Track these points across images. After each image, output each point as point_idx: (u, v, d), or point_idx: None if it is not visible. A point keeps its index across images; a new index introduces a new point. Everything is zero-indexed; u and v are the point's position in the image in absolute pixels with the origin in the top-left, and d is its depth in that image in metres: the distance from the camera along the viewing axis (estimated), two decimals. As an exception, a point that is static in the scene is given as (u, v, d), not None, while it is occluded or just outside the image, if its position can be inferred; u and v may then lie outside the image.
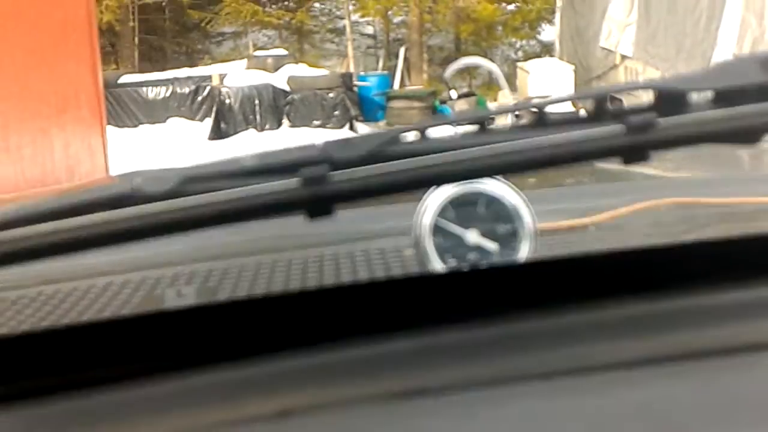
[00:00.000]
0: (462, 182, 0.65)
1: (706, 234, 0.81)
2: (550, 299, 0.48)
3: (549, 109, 0.48)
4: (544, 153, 0.46)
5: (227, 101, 9.05)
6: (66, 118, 4.58)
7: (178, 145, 7.84)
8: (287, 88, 9.23)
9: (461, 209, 0.67)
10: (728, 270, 0.49)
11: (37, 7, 4.30)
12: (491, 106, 7.40)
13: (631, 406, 0.36)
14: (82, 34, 4.76)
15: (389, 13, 13.36)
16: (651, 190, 0.92)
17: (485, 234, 0.67)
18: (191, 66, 11.07)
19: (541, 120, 0.48)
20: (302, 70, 9.86)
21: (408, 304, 0.48)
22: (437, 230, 0.67)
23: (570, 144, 0.46)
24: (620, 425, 0.36)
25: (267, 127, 9.04)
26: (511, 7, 13.38)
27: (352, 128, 8.83)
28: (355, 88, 9.62)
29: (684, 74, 0.48)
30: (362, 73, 10.78)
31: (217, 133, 8.83)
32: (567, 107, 0.50)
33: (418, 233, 0.67)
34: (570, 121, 0.48)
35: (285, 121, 9.17)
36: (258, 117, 9.07)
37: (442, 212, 0.67)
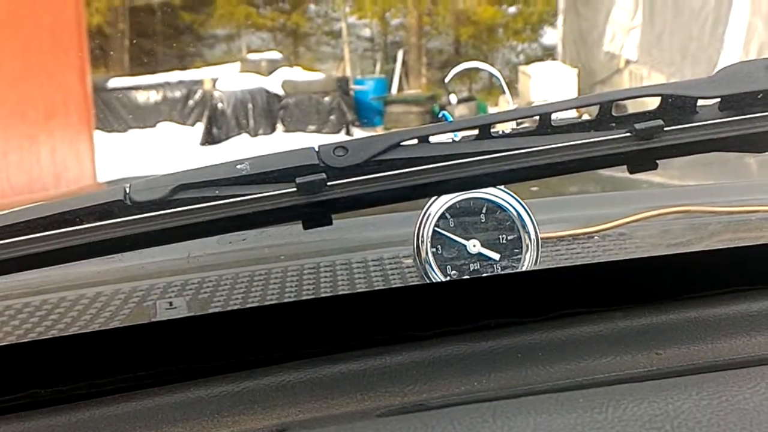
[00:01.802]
0: (463, 191, 0.64)
1: (714, 243, 0.81)
2: (553, 310, 0.47)
3: (552, 115, 0.47)
4: (548, 161, 0.45)
5: (219, 105, 9.04)
6: (53, 124, 4.56)
7: (168, 151, 7.82)
8: (281, 92, 9.23)
9: (462, 218, 0.66)
10: (736, 280, 0.48)
11: (25, 11, 4.27)
12: (492, 110, 7.44)
13: (638, 421, 0.35)
14: (71, 38, 4.74)
15: (387, 15, 13.38)
16: (656, 199, 0.92)
17: (487, 243, 0.66)
18: (183, 69, 11.05)
19: (544, 126, 0.47)
20: (297, 73, 9.86)
21: (407, 316, 0.47)
22: (438, 239, 0.66)
23: (574, 151, 0.45)
24: (628, 441, 0.35)
25: (260, 132, 9.04)
26: (513, 9, 13.41)
27: (348, 133, 8.84)
28: (352, 92, 9.64)
29: (690, 80, 0.47)
30: (359, 77, 10.80)
31: (210, 138, 8.82)
32: (571, 113, 0.49)
33: (419, 242, 0.66)
34: (574, 127, 0.48)
35: (279, 126, 9.17)
36: (251, 122, 9.07)
37: (443, 221, 0.66)
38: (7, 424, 0.41)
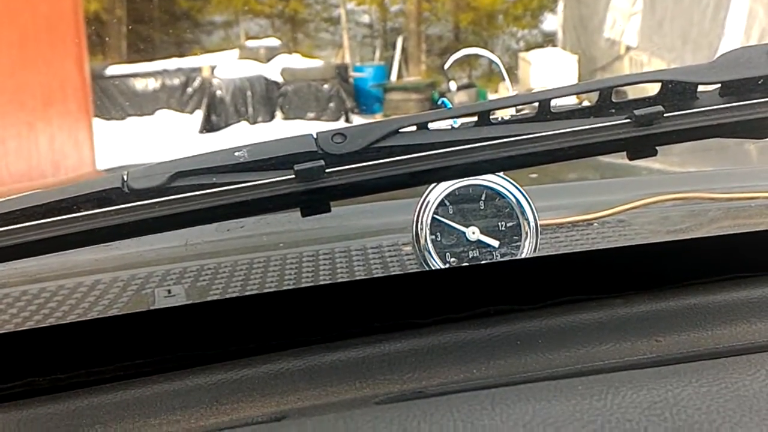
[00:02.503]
0: (462, 178, 0.64)
1: (714, 230, 0.81)
2: (552, 297, 0.47)
3: (552, 101, 0.47)
4: (548, 147, 0.45)
5: (218, 93, 9.01)
6: (52, 111, 4.55)
7: (167, 138, 7.80)
8: (280, 80, 9.19)
9: (461, 205, 0.66)
10: (736, 267, 0.48)
11: (22, -1, 4.25)
12: (492, 97, 7.38)
13: (638, 408, 0.35)
14: (69, 26, 4.72)
15: (386, 1, 13.30)
16: (656, 185, 0.92)
17: (486, 230, 0.66)
18: (181, 56, 10.99)
19: (544, 113, 0.47)
20: (296, 60, 9.81)
21: (406, 303, 0.47)
22: (437, 227, 0.66)
23: (574, 138, 0.45)
24: (628, 427, 0.35)
25: (259, 119, 9.01)
26: (513, -5, 13.31)
27: (347, 121, 8.81)
28: (351, 80, 9.59)
29: (691, 66, 0.47)
30: (358, 64, 10.75)
31: (208, 126, 8.80)
32: (571, 99, 0.49)
33: (417, 230, 0.66)
34: (574, 113, 0.47)
35: (278, 114, 9.14)
36: (250, 109, 9.04)
37: (442, 208, 0.66)
38: (6, 413, 0.41)
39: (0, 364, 0.43)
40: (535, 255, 0.66)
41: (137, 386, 0.42)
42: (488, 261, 0.65)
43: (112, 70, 9.67)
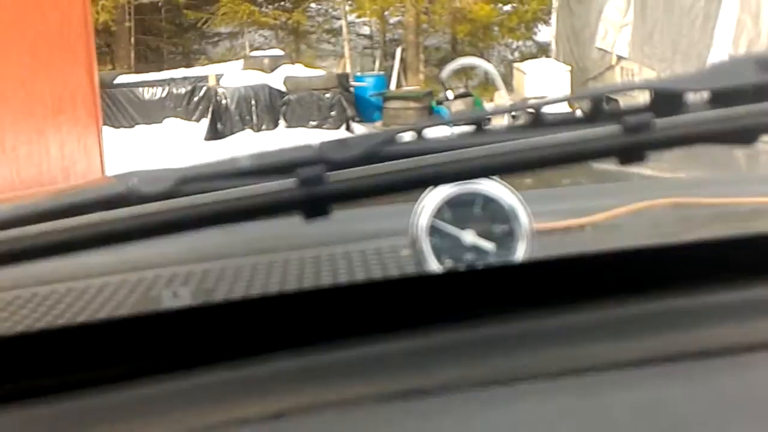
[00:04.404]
0: (458, 182, 0.65)
1: (704, 234, 0.81)
2: (546, 300, 0.48)
3: (545, 109, 0.48)
4: (541, 153, 0.46)
5: (224, 102, 9.06)
6: (62, 119, 4.57)
7: (174, 146, 7.84)
8: (284, 89, 9.23)
9: (458, 209, 0.67)
10: (725, 270, 0.48)
11: (33, 8, 4.29)
12: (488, 106, 7.40)
13: (627, 407, 0.36)
14: (78, 35, 4.75)
15: (386, 13, 13.38)
16: (648, 191, 0.93)
17: (482, 234, 0.67)
18: (187, 66, 11.06)
19: (537, 120, 0.48)
20: (299, 70, 9.85)
21: (405, 305, 0.48)
22: (434, 230, 0.67)
23: (566, 144, 0.46)
24: (617, 426, 0.36)
25: (264, 127, 9.05)
26: (508, 7, 13.42)
27: (348, 129, 8.84)
28: (352, 89, 9.64)
29: (680, 75, 0.48)
30: (359, 74, 10.81)
31: (214, 134, 8.83)
32: (563, 108, 0.50)
33: (415, 234, 0.67)
34: (566, 121, 0.48)
35: (281, 122, 9.17)
36: (254, 117, 9.08)
37: (439, 212, 0.67)
38: (14, 412, 0.41)
39: (9, 364, 0.44)
40: (530, 258, 0.66)
41: (138, 386, 0.42)
42: (483, 264, 0.66)
43: (121, 79, 9.74)
